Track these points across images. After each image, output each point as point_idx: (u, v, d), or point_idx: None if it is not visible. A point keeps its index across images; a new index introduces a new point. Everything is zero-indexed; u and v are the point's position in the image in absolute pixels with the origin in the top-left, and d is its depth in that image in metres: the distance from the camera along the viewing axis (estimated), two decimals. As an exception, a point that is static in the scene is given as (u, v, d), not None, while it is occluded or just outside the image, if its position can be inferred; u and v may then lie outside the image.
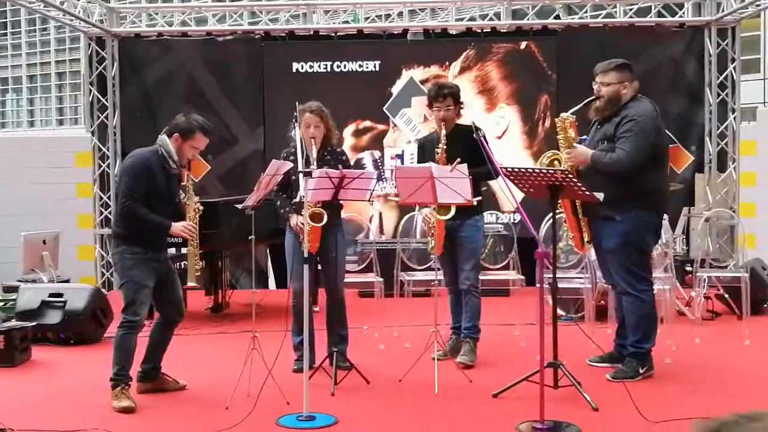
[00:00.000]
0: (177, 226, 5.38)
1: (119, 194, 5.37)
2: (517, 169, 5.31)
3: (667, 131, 9.99)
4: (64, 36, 45.03)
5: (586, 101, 5.78)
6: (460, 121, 6.31)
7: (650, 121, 5.68)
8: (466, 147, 5.92)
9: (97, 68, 10.47)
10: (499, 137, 10.12)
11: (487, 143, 5.73)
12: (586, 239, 5.87)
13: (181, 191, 5.59)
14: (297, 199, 5.76)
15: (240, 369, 5.41)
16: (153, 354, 5.57)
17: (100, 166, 10.45)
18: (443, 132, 6.13)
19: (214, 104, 10.46)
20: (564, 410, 5.02)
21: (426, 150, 6.39)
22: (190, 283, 5.62)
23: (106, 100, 10.44)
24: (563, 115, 5.77)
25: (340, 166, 5.66)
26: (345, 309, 6.21)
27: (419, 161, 6.45)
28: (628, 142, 5.58)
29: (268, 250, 10.29)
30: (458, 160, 5.65)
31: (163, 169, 5.35)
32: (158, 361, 5.64)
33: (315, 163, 5.76)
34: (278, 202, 6.13)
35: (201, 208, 5.61)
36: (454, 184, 5.54)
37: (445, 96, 6.18)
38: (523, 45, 10.30)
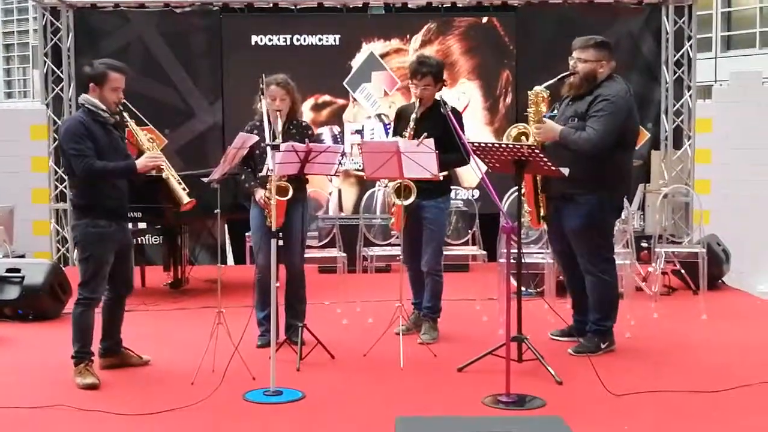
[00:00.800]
0: (141, 161, 5.25)
1: (70, 161, 5.18)
2: (483, 144, 5.32)
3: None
4: (11, 6, 44.08)
5: (560, 76, 5.73)
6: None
7: (623, 102, 5.65)
8: (439, 128, 5.76)
9: (52, 39, 10.27)
10: (461, 113, 10.08)
11: (458, 118, 5.71)
12: (542, 215, 5.89)
13: (126, 138, 5.46)
14: (263, 173, 5.71)
15: (204, 345, 5.38)
16: (110, 330, 5.49)
17: (55, 139, 10.24)
18: (416, 113, 6.04)
19: (172, 77, 10.33)
20: (529, 384, 5.08)
21: (401, 120, 6.26)
22: (185, 201, 5.45)
23: (61, 72, 10.25)
24: (537, 88, 5.73)
25: (306, 140, 5.61)
26: (305, 284, 6.19)
27: (395, 129, 6.35)
28: (599, 122, 5.53)
29: (226, 226, 10.21)
30: (425, 134, 5.62)
31: (99, 123, 5.20)
32: (117, 335, 5.57)
33: (280, 137, 5.70)
34: (242, 176, 6.07)
35: (156, 145, 5.51)
36: (421, 158, 5.53)
37: (423, 74, 6.03)
38: (485, 20, 10.29)
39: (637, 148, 10.22)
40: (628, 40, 10.38)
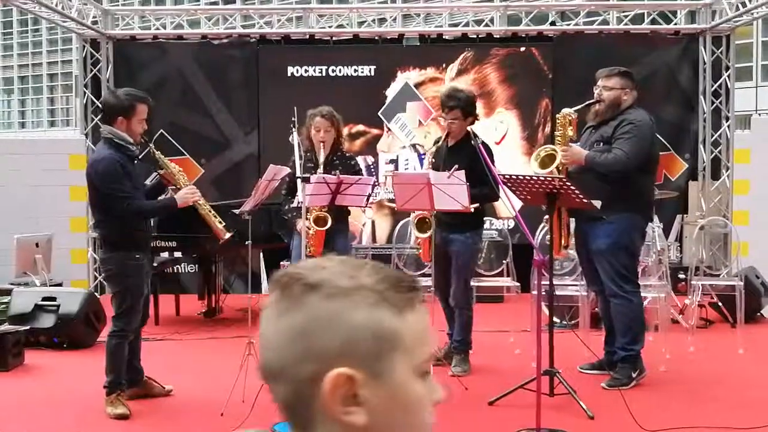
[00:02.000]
0: (181, 195, 5.28)
1: (108, 202, 5.16)
2: (515, 177, 5.31)
3: (660, 138, 10.12)
4: (56, 37, 44.91)
5: (587, 102, 5.83)
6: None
7: (648, 127, 5.77)
8: (468, 162, 5.73)
9: (92, 70, 10.43)
10: (498, 142, 10.04)
11: (488, 151, 5.70)
12: (563, 244, 5.86)
13: (156, 168, 5.48)
14: (294, 204, 5.76)
15: (235, 375, 5.38)
16: (130, 361, 5.46)
17: (92, 169, 10.38)
18: (445, 144, 6.06)
19: (209, 108, 10.42)
20: (560, 418, 5.03)
21: (437, 152, 6.25)
22: (225, 236, 5.49)
23: (101, 103, 10.38)
24: (565, 110, 5.77)
25: (337, 171, 5.65)
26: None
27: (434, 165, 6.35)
28: (627, 144, 5.63)
29: (261, 254, 10.26)
30: (456, 166, 5.61)
31: (128, 158, 5.22)
32: (137, 363, 5.58)
33: (322, 168, 5.74)
34: (286, 206, 6.12)
35: (181, 169, 5.51)
36: (451, 190, 5.53)
37: (451, 108, 6.02)
38: (522, 48, 10.27)
39: (674, 178, 10.29)
40: (665, 70, 10.32)
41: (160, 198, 5.38)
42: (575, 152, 5.67)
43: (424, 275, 7.79)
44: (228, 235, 5.50)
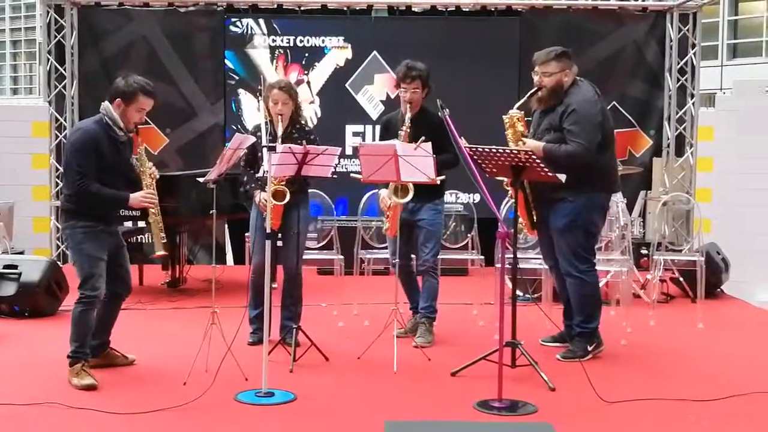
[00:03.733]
0: (136, 197, 5.25)
1: (69, 171, 5.19)
2: (481, 149, 5.32)
3: (626, 114, 10.18)
4: (19, 3, 44.15)
5: (528, 94, 5.82)
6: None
7: (593, 107, 5.74)
8: (431, 131, 5.78)
9: (56, 37, 10.27)
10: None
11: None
12: (535, 221, 5.92)
13: (134, 159, 5.46)
14: (260, 174, 5.74)
15: (198, 344, 5.38)
16: (101, 329, 5.43)
17: (57, 136, 10.26)
18: (408, 114, 6.08)
19: (174, 76, 10.32)
20: (521, 389, 5.07)
21: (389, 130, 6.33)
22: (159, 252, 5.47)
23: (65, 70, 10.26)
24: (511, 112, 5.80)
25: (303, 141, 5.63)
26: (301, 287, 6.20)
27: (383, 139, 6.39)
28: (579, 134, 5.61)
29: (226, 226, 10.22)
30: (422, 138, 5.62)
31: (110, 139, 5.18)
32: (107, 336, 5.55)
33: (280, 140, 5.71)
34: (245, 178, 6.10)
35: (157, 174, 5.47)
36: (418, 162, 5.53)
37: (413, 78, 6.09)
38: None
39: (638, 154, 10.37)
40: (633, 47, 10.37)
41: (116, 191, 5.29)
42: (531, 146, 5.60)
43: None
44: (161, 253, 5.48)
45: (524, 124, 5.79)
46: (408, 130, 6.00)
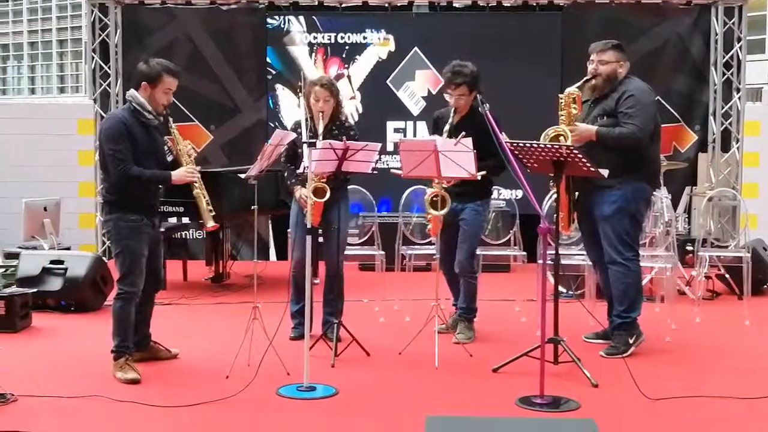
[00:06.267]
0: (178, 173, 5.27)
1: (107, 160, 5.21)
2: (521, 144, 5.29)
3: (671, 109, 10.07)
4: (65, 3, 44.75)
5: (585, 79, 5.84)
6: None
7: (649, 96, 5.84)
8: (476, 134, 5.66)
9: (100, 35, 10.40)
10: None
11: (495, 119, 5.66)
12: (574, 220, 5.91)
13: (168, 142, 5.48)
14: (300, 171, 5.77)
15: (240, 339, 5.41)
16: (139, 324, 5.45)
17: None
18: (451, 119, 6.02)
19: (218, 73, 10.42)
20: (564, 386, 5.04)
21: (439, 125, 6.26)
22: (209, 224, 5.46)
23: (109, 68, 10.38)
24: (569, 89, 5.76)
25: (344, 138, 5.63)
26: (342, 282, 6.22)
27: (433, 134, 6.32)
28: (636, 117, 5.66)
29: (269, 221, 10.27)
30: (463, 133, 5.59)
31: (141, 124, 5.21)
32: (146, 329, 5.60)
33: (321, 137, 5.72)
34: (286, 173, 6.13)
35: (194, 150, 5.50)
36: (458, 157, 5.50)
37: (458, 84, 6.02)
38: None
39: (683, 150, 10.25)
40: (677, 41, 10.25)
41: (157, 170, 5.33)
42: (583, 129, 5.69)
43: (430, 243, 7.83)
44: (212, 225, 5.47)
45: (579, 106, 5.77)
46: (448, 134, 5.95)
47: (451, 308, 6.55)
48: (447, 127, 6.01)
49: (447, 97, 6.14)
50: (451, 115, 6.08)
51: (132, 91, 5.29)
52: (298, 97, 5.70)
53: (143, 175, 5.18)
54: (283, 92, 10.39)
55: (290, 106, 10.26)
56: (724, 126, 10.30)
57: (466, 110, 6.11)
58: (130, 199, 5.23)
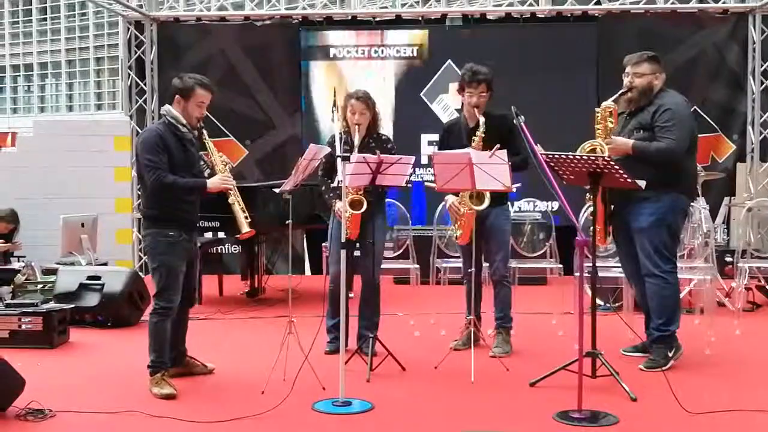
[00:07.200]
0: (214, 181, 5.30)
1: (143, 171, 5.24)
2: (557, 156, 5.25)
3: (708, 119, 9.96)
4: (102, 21, 45.30)
5: (620, 92, 5.80)
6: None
7: (686, 109, 5.80)
8: (499, 134, 5.81)
9: (136, 52, 10.51)
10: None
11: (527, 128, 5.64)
12: (609, 232, 5.85)
13: (202, 155, 5.49)
14: (335, 184, 5.77)
15: (276, 354, 5.41)
16: (174, 339, 5.46)
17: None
18: (482, 119, 6.00)
19: (252, 89, 10.50)
20: (602, 400, 4.97)
21: (452, 135, 6.27)
22: (245, 231, 5.42)
23: (145, 84, 10.48)
24: (605, 103, 5.72)
25: (377, 151, 5.63)
26: (379, 296, 6.20)
27: (442, 147, 6.30)
28: (673, 131, 5.61)
29: (304, 235, 10.29)
30: (497, 146, 5.57)
31: (176, 137, 5.25)
32: (181, 345, 5.61)
33: (357, 150, 5.72)
34: (323, 188, 6.13)
35: (228, 161, 5.52)
36: (493, 170, 5.48)
37: (479, 82, 6.05)
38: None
39: (721, 160, 10.13)
40: (713, 50, 10.16)
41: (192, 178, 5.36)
42: (620, 143, 5.66)
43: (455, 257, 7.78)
44: (247, 231, 5.46)
45: (615, 119, 5.73)
46: (483, 135, 5.94)
47: (461, 326, 6.48)
48: (480, 131, 5.96)
49: (467, 97, 6.12)
50: (477, 116, 6.03)
51: (166, 106, 5.36)
52: (333, 112, 5.70)
53: (177, 183, 5.21)
54: (319, 107, 10.40)
55: (326, 121, 10.29)
56: (763, 135, 10.19)
57: (484, 110, 6.09)
58: (168, 213, 5.25)
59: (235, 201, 5.43)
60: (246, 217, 5.44)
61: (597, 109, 5.77)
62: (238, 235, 5.48)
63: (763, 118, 10.15)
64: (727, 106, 10.25)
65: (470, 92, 6.09)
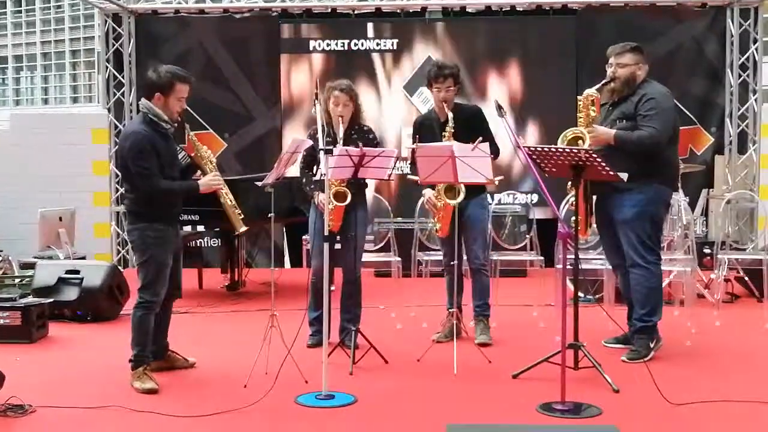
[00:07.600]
0: (204, 182, 5.29)
1: (134, 177, 5.16)
2: (540, 148, 5.25)
3: (686, 112, 10.01)
4: (78, 13, 44.92)
5: (603, 82, 5.81)
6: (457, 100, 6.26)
7: (669, 100, 5.80)
8: (469, 125, 5.91)
9: (114, 45, 10.43)
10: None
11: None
12: (590, 224, 5.85)
13: (182, 150, 5.47)
14: (317, 177, 5.75)
15: (258, 347, 5.39)
16: (156, 334, 5.43)
17: (116, 143, 10.39)
18: (449, 114, 6.03)
19: (231, 82, 10.44)
20: (585, 392, 4.98)
21: (424, 129, 6.26)
22: (240, 229, 5.45)
23: (123, 77, 10.41)
24: (588, 91, 5.72)
25: (360, 143, 5.61)
26: (360, 289, 6.19)
27: (421, 139, 6.28)
28: (655, 120, 5.62)
29: (284, 229, 10.26)
30: (480, 138, 5.57)
31: (160, 135, 5.19)
32: (163, 339, 5.58)
33: (341, 142, 5.71)
34: (304, 180, 6.11)
35: (213, 159, 5.50)
36: (475, 162, 5.48)
37: (446, 77, 6.07)
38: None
39: (700, 152, 10.18)
40: (692, 43, 10.21)
41: (185, 181, 5.34)
42: (602, 132, 5.67)
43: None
44: (243, 229, 5.46)
45: (598, 108, 5.73)
46: (452, 131, 5.97)
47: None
48: (449, 126, 5.99)
49: (435, 93, 6.14)
50: (445, 110, 6.07)
51: (145, 101, 5.25)
52: (314, 104, 5.67)
53: (172, 189, 5.20)
54: (299, 100, 10.38)
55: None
56: (741, 128, 10.24)
57: (452, 104, 6.13)
58: (157, 210, 5.22)
59: (226, 200, 5.41)
60: (239, 214, 5.44)
61: (579, 97, 5.78)
62: (235, 233, 5.48)
63: (740, 111, 10.21)
64: (706, 98, 10.29)
65: (438, 87, 6.12)
